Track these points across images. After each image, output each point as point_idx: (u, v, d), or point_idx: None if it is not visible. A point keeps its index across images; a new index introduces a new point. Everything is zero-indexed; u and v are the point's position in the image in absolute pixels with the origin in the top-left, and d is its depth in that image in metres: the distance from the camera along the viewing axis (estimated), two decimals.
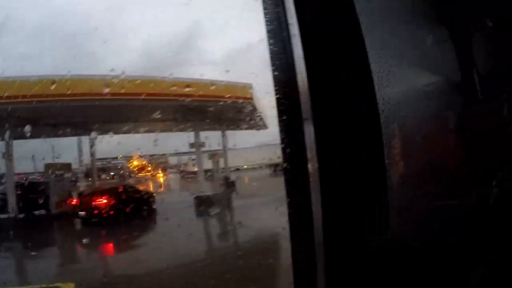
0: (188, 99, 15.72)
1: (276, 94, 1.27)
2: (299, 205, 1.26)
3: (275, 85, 1.28)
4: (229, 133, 23.94)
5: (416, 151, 1.66)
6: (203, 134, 21.75)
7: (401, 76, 1.75)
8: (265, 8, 1.35)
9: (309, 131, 1.17)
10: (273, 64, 1.30)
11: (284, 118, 1.25)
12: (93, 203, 16.04)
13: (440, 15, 2.97)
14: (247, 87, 18.02)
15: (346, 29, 1.24)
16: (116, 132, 19.59)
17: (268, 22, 1.33)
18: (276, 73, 1.29)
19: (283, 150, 1.27)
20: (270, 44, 1.31)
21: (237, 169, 31.09)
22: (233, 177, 24.03)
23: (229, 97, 17.08)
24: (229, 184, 21.88)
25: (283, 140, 1.27)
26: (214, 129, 22.75)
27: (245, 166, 34.29)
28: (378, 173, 1.20)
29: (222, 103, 16.85)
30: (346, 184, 1.17)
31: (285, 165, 1.28)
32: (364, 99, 1.21)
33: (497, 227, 1.85)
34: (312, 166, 1.18)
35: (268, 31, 1.33)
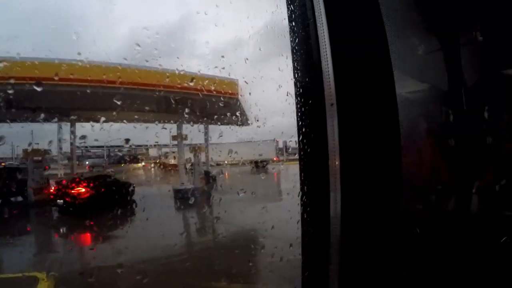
0: (173, 91, 15.57)
1: (298, 79, 1.24)
2: (315, 197, 1.22)
3: (297, 70, 1.25)
4: (211, 127, 23.84)
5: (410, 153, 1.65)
6: (185, 128, 21.57)
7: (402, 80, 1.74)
8: None
9: (332, 117, 1.14)
10: (296, 50, 1.27)
11: (308, 102, 1.22)
12: (71, 191, 15.72)
13: (432, 27, 2.99)
14: (233, 83, 17.98)
15: (370, 21, 1.22)
16: (97, 121, 19.27)
17: (294, 7, 1.30)
18: (300, 57, 1.25)
19: (302, 137, 1.23)
20: (294, 29, 1.28)
21: (218, 164, 31.07)
22: (213, 171, 23.97)
23: (214, 91, 17.01)
24: (210, 178, 21.83)
25: (302, 127, 1.23)
26: (197, 122, 22.56)
27: (226, 162, 34.33)
28: (396, 170, 1.17)
29: (207, 97, 16.76)
30: (367, 177, 1.14)
31: (302, 154, 1.25)
32: (385, 92, 1.19)
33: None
34: (333, 157, 1.15)
35: (294, 16, 1.29)
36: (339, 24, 1.19)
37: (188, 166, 23.49)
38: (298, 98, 1.23)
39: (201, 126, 23.51)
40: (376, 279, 1.15)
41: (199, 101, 17.55)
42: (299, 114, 1.22)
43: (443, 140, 1.69)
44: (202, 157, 24.79)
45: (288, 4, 1.33)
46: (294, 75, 1.25)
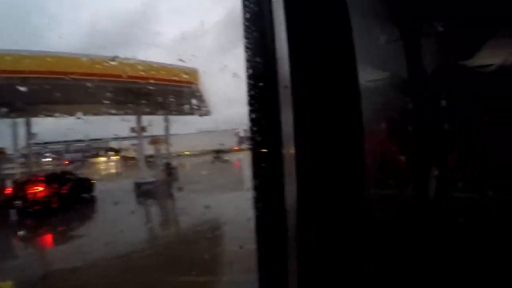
0: (131, 81, 15.21)
1: (249, 58, 1.12)
2: (268, 190, 1.12)
3: (248, 49, 1.13)
4: (171, 118, 23.46)
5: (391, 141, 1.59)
6: (145, 119, 21.11)
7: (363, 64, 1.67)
8: None
9: (286, 102, 1.03)
10: (248, 26, 1.15)
11: (258, 85, 1.10)
12: (29, 191, 15.06)
13: (392, 16, 2.98)
14: (193, 72, 17.70)
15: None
16: (54, 115, 18.58)
17: None
18: (251, 35, 1.13)
19: (253, 124, 1.12)
20: (246, 4, 1.15)
21: (179, 155, 30.79)
22: (174, 163, 23.73)
23: (173, 81, 16.73)
24: (170, 170, 21.61)
25: (252, 112, 1.12)
26: (157, 113, 22.14)
27: (187, 152, 34.13)
28: (356, 157, 1.08)
29: (166, 86, 16.48)
30: (326, 167, 1.04)
31: (254, 142, 1.13)
32: (346, 77, 1.09)
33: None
34: (287, 145, 1.04)
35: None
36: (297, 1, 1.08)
37: (148, 158, 23.18)
38: (249, 80, 1.10)
39: (162, 118, 23.12)
40: (337, 271, 1.06)
41: (158, 92, 17.25)
42: (249, 98, 1.10)
43: (406, 129, 1.64)
44: (163, 149, 24.48)
45: None
46: (245, 55, 1.12)
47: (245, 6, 1.17)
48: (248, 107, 1.13)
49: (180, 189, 18.02)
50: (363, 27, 1.35)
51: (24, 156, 23.28)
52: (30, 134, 21.04)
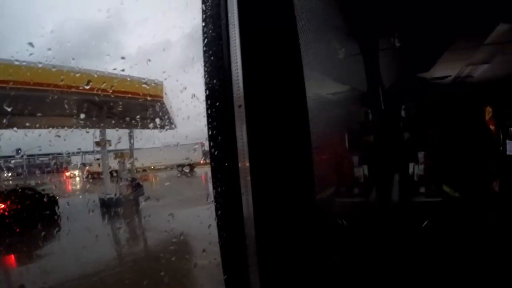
0: (95, 94, 14.91)
1: (207, 81, 1.22)
2: (227, 200, 1.22)
3: (206, 72, 1.23)
4: (136, 132, 23.12)
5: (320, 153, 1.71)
6: (109, 133, 20.71)
7: (313, 82, 1.79)
8: None
9: (240, 119, 1.14)
10: (207, 51, 1.25)
11: (215, 104, 1.20)
12: None
13: (352, 32, 3.15)
14: (159, 85, 17.57)
15: (283, 27, 1.23)
16: (11, 127, 17.93)
17: (206, 7, 1.28)
18: (210, 59, 1.24)
19: (211, 140, 1.22)
20: (205, 30, 1.26)
21: (144, 170, 30.35)
22: (139, 177, 23.37)
23: (138, 94, 16.55)
24: (136, 185, 21.25)
25: (211, 129, 1.22)
26: (121, 127, 21.77)
27: (152, 167, 33.70)
28: (306, 169, 1.19)
29: (131, 100, 16.28)
30: (278, 178, 1.15)
31: (212, 156, 1.23)
32: (295, 94, 1.20)
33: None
34: (242, 158, 1.15)
35: (206, 17, 1.27)
36: (252, 26, 1.19)
37: (113, 173, 22.70)
38: (207, 100, 1.20)
39: (126, 131, 22.73)
40: (295, 275, 1.16)
41: (123, 104, 17.00)
42: (207, 117, 1.20)
43: (352, 139, 1.77)
44: (128, 163, 24.03)
45: (201, 3, 1.31)
46: (204, 77, 1.22)
47: (204, 32, 1.27)
48: (207, 125, 1.23)
49: (144, 204, 17.78)
50: (323, 44, 1.48)
51: None
52: None
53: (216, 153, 1.22)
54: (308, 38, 1.34)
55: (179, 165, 33.09)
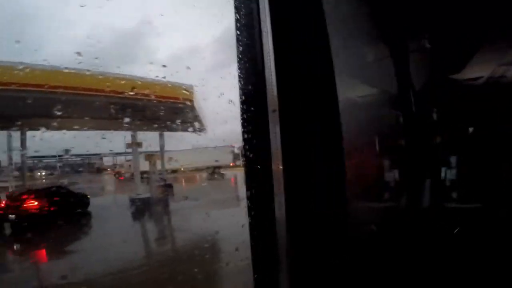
0: (127, 97, 15.22)
1: (242, 86, 1.27)
2: (260, 201, 1.25)
3: (241, 77, 1.28)
4: (167, 134, 23.50)
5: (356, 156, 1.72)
6: (140, 135, 21.14)
7: (346, 86, 1.81)
8: (237, 1, 1.34)
9: (274, 123, 1.18)
10: (242, 58, 1.30)
11: (250, 109, 1.25)
12: (23, 205, 14.92)
13: (381, 34, 3.14)
14: (189, 89, 17.79)
15: (314, 31, 1.26)
16: (49, 128, 18.48)
17: (240, 16, 1.33)
18: (245, 66, 1.29)
19: (245, 143, 1.26)
20: (240, 38, 1.31)
21: (174, 171, 30.78)
22: (170, 179, 23.70)
23: (169, 98, 16.82)
24: (166, 186, 21.55)
25: (245, 133, 1.26)
26: (152, 129, 22.16)
27: (182, 169, 34.11)
28: (339, 172, 1.22)
29: (162, 103, 16.55)
30: (310, 181, 1.18)
31: (246, 159, 1.27)
32: (327, 97, 1.23)
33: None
34: (276, 161, 1.18)
35: (241, 26, 1.32)
36: (284, 33, 1.23)
37: (144, 174, 23.10)
38: (242, 105, 1.25)
39: (157, 134, 23.13)
40: (324, 277, 1.18)
41: (154, 108, 17.29)
42: (242, 121, 1.25)
43: (385, 143, 1.77)
44: (158, 165, 24.42)
45: (235, 13, 1.36)
46: (239, 83, 1.27)
47: (238, 40, 1.32)
48: (242, 129, 1.27)
49: (175, 205, 18.03)
50: (354, 47, 1.51)
51: (19, 169, 23.09)
52: (25, 147, 20.93)
53: (250, 155, 1.26)
54: (340, 42, 1.37)
55: (209, 167, 33.43)
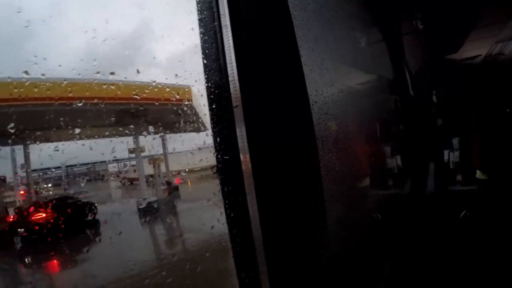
0: (126, 103, 15.25)
1: (207, 83, 1.23)
2: (234, 200, 1.22)
3: (205, 74, 1.24)
4: (170, 136, 23.49)
5: (347, 147, 1.67)
6: (144, 139, 21.17)
7: (335, 74, 1.76)
8: None
9: (239, 119, 1.14)
10: (203, 53, 1.26)
11: (214, 105, 1.21)
12: (32, 218, 15.01)
13: (373, 17, 3.08)
14: (187, 89, 17.74)
15: (278, 21, 1.22)
16: (50, 140, 18.55)
17: (200, 11, 1.29)
18: (205, 61, 1.25)
19: (216, 141, 1.23)
20: (202, 33, 1.27)
21: (179, 173, 30.76)
22: (175, 181, 23.72)
23: (168, 100, 16.79)
24: (172, 188, 21.58)
25: (214, 131, 1.23)
26: (154, 133, 22.17)
27: (187, 169, 34.12)
28: (311, 166, 1.18)
29: (161, 106, 16.53)
30: (280, 178, 1.14)
31: (218, 157, 1.24)
32: (295, 91, 1.19)
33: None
34: (244, 158, 1.15)
35: (200, 20, 1.28)
36: (244, 26, 1.19)
37: (148, 178, 23.15)
38: (209, 103, 1.22)
39: (159, 137, 23.13)
40: (301, 274, 1.16)
41: (153, 111, 17.31)
42: (211, 118, 1.22)
43: (356, 135, 1.73)
44: (163, 168, 24.45)
45: (197, 8, 1.32)
46: (205, 79, 1.23)
47: (201, 36, 1.28)
48: (211, 127, 1.24)
49: (182, 206, 18.06)
50: (316, 37, 1.46)
51: (25, 183, 23.17)
52: (28, 161, 21.00)
53: (220, 153, 1.23)
54: (304, 33, 1.32)
55: (213, 167, 33.40)
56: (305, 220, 1.14)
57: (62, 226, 13.51)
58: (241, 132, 1.14)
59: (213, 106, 1.23)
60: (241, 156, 1.15)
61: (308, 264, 1.16)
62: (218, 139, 1.23)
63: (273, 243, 1.15)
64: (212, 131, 1.23)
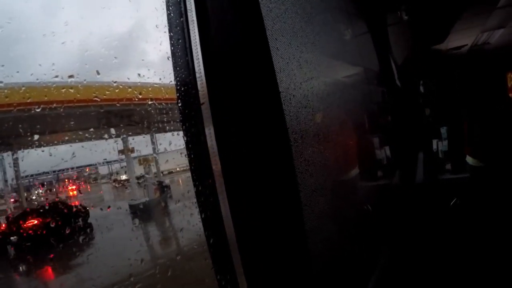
0: (114, 104, 15.17)
1: (175, 80, 1.20)
2: (206, 200, 1.19)
3: (174, 71, 1.21)
4: (160, 136, 23.40)
5: (324, 142, 1.64)
6: (135, 139, 21.10)
7: (319, 66, 1.73)
8: None
9: (207, 117, 1.11)
10: (171, 50, 1.22)
11: (184, 103, 1.18)
12: (23, 225, 14.87)
13: (357, 9, 3.06)
14: (173, 88, 17.67)
15: (247, 15, 1.18)
16: (38, 145, 18.36)
17: (167, 7, 1.25)
18: (173, 58, 1.21)
19: (186, 139, 1.20)
20: (170, 28, 1.23)
21: (170, 172, 30.73)
22: (166, 180, 23.66)
23: (156, 99, 16.72)
24: (163, 188, 21.53)
25: (184, 130, 1.19)
26: (143, 133, 22.08)
27: (178, 168, 34.08)
28: (284, 162, 1.15)
29: (150, 105, 16.47)
30: (251, 176, 1.11)
31: (190, 156, 1.21)
32: (265, 86, 1.15)
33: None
34: (214, 156, 1.11)
35: (168, 16, 1.25)
36: (211, 20, 1.15)
37: (140, 178, 23.06)
38: (177, 101, 1.18)
39: (149, 137, 23.05)
40: (279, 273, 1.13)
41: (144, 111, 17.23)
42: (181, 117, 1.18)
43: (329, 132, 1.70)
44: (153, 168, 24.35)
45: (166, 1, 1.29)
46: (174, 77, 1.20)
47: (169, 31, 1.24)
48: (181, 125, 1.20)
49: (174, 205, 18.01)
50: (287, 31, 1.43)
51: (15, 190, 22.98)
52: (17, 168, 20.80)
53: (190, 152, 1.19)
54: (274, 26, 1.28)
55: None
56: (280, 218, 1.11)
57: (54, 231, 13.41)
58: (209, 130, 1.10)
59: (181, 104, 1.19)
60: (210, 155, 1.11)
61: (286, 263, 1.13)
62: (187, 138, 1.19)
63: (248, 243, 1.12)
64: (182, 129, 1.20)
